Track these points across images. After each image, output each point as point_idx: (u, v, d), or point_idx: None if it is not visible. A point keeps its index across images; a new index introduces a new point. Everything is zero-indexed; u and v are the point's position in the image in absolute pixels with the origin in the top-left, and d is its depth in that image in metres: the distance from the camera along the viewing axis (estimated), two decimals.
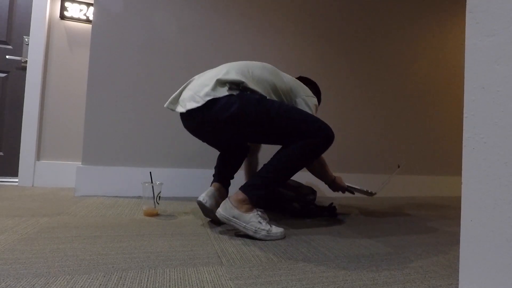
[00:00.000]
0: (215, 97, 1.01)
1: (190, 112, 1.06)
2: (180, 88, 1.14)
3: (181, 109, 1.08)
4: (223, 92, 1.01)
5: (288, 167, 1.04)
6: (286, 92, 1.19)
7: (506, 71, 0.47)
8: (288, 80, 1.22)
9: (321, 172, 1.36)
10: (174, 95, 1.14)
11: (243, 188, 1.02)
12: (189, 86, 1.11)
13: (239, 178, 1.78)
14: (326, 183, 1.41)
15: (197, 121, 1.08)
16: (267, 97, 1.09)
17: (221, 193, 1.22)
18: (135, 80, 1.73)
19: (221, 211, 1.00)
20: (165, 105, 1.14)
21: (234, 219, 0.98)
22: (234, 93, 1.02)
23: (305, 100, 1.22)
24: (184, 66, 1.81)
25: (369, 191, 1.45)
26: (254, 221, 0.99)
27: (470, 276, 0.51)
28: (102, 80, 1.68)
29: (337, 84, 2.19)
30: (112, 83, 1.70)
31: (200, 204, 1.14)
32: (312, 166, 1.34)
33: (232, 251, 0.86)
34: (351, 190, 1.46)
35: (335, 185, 1.41)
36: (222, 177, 1.26)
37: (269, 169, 1.04)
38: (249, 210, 1.00)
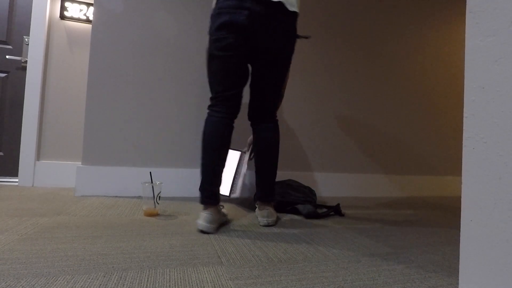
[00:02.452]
0: (295, 11, 1.16)
1: (274, 4, 1.11)
2: None
3: None
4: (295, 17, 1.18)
5: (275, 163, 1.28)
6: None
7: (506, 71, 0.47)
8: None
9: None
10: None
11: (271, 198, 1.27)
12: None
13: None
14: None
15: (268, 16, 1.11)
16: None
17: (218, 210, 1.13)
18: (135, 80, 1.73)
19: (270, 220, 1.20)
20: None
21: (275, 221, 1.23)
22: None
23: None
24: (184, 66, 1.81)
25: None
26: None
27: (470, 276, 0.51)
28: (102, 80, 1.68)
29: (337, 83, 2.19)
30: (112, 83, 1.70)
31: (204, 232, 1.05)
32: None
33: (232, 251, 0.86)
34: None
35: None
36: (216, 197, 1.12)
37: (270, 173, 1.27)
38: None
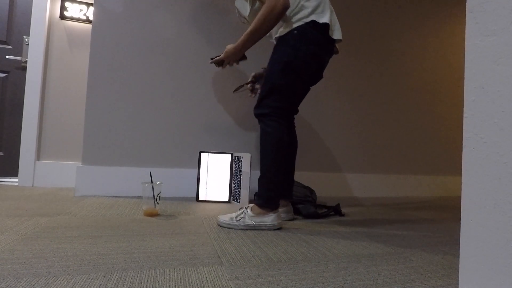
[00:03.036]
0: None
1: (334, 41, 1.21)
2: (328, 11, 1.16)
3: (337, 35, 1.20)
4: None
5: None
6: None
7: (506, 71, 0.47)
8: None
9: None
10: (328, 17, 1.14)
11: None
12: (334, 15, 1.21)
13: None
14: None
15: (330, 52, 1.23)
16: None
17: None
18: (135, 80, 1.73)
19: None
20: (333, 36, 1.19)
21: None
22: None
23: None
24: (184, 66, 1.81)
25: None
26: None
27: (470, 276, 0.51)
28: (102, 80, 1.68)
29: (338, 83, 2.19)
30: (112, 83, 1.70)
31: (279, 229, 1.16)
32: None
33: (232, 251, 0.86)
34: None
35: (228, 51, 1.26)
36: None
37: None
38: None
